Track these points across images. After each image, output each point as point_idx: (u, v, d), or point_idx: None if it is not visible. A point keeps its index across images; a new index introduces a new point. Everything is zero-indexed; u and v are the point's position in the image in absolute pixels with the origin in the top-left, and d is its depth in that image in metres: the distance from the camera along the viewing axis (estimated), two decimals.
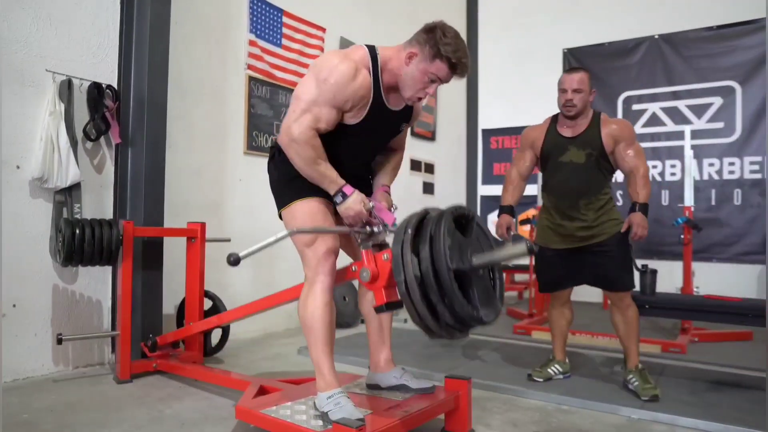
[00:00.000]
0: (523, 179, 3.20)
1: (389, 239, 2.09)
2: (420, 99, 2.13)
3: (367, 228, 2.09)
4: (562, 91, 2.94)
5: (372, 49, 2.11)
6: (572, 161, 2.94)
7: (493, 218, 7.39)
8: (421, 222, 1.82)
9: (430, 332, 1.79)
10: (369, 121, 2.11)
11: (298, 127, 2.01)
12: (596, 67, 6.71)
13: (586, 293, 6.56)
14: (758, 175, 5.84)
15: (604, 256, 2.90)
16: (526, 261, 5.78)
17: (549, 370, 3.09)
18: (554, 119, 3.10)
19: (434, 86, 2.08)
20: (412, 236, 1.76)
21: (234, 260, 1.71)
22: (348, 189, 2.07)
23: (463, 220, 1.89)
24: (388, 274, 1.93)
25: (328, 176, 2.06)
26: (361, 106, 2.07)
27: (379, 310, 1.99)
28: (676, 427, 2.45)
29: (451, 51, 1.99)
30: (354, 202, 2.06)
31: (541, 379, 3.03)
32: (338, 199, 2.07)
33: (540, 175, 5.10)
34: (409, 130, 2.44)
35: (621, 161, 2.92)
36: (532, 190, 6.53)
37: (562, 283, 3.08)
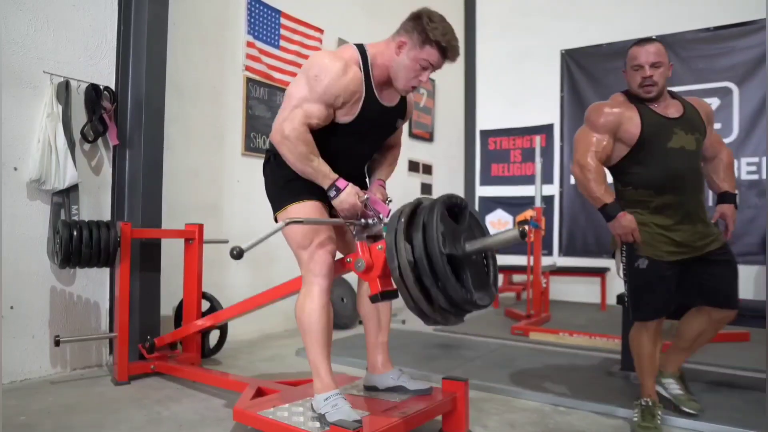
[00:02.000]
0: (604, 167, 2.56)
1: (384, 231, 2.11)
2: (414, 87, 2.14)
3: (362, 220, 2.10)
4: (636, 67, 2.41)
5: (361, 47, 2.12)
6: (684, 147, 2.39)
7: (491, 219, 7.41)
8: (414, 211, 1.84)
9: (425, 316, 1.82)
10: (363, 118, 2.11)
11: (290, 124, 2.02)
12: (594, 68, 6.73)
13: (584, 293, 6.60)
14: (755, 176, 5.85)
15: (723, 265, 2.43)
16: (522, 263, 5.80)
17: (657, 420, 2.41)
18: (631, 97, 2.49)
19: (427, 73, 2.08)
20: (406, 225, 1.78)
21: (237, 253, 1.71)
22: (341, 182, 2.06)
23: (456, 209, 1.90)
24: (382, 264, 1.94)
25: (321, 171, 2.06)
26: (353, 102, 2.08)
27: (374, 299, 1.99)
28: (673, 428, 2.45)
29: (440, 35, 2.00)
30: (348, 194, 2.06)
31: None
32: (332, 193, 2.07)
33: (538, 171, 5.20)
34: (405, 128, 2.44)
35: (708, 146, 2.51)
36: (529, 191, 6.56)
37: (671, 306, 2.51)
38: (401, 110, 2.26)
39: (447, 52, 2.04)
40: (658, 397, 2.53)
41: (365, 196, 2.09)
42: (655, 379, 2.57)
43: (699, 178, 2.47)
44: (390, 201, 2.25)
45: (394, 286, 1.90)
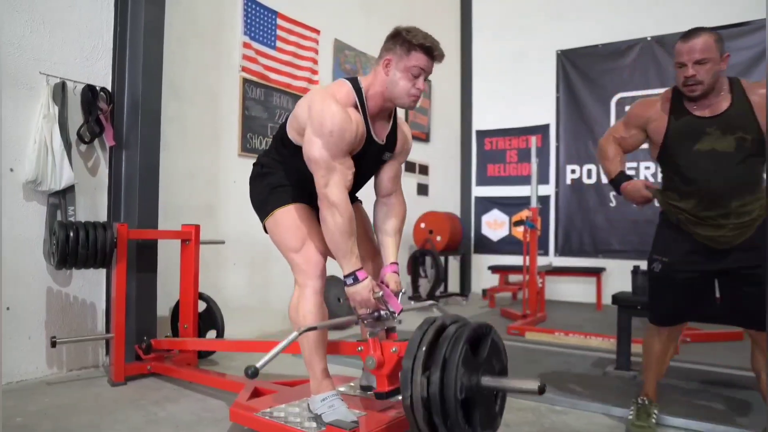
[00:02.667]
0: (625, 152, 2.55)
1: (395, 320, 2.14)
2: (415, 97, 2.12)
3: (374, 313, 2.09)
4: (679, 65, 2.25)
5: (354, 81, 2.11)
6: (715, 149, 2.21)
7: (487, 219, 7.43)
8: (437, 338, 1.80)
9: None
10: (359, 155, 2.10)
11: (334, 191, 1.98)
12: (589, 68, 6.75)
13: (580, 293, 6.63)
14: None
15: (758, 283, 2.12)
16: (518, 262, 5.81)
17: (652, 419, 2.40)
18: (677, 93, 2.34)
19: (421, 80, 2.08)
20: (425, 354, 1.75)
21: (252, 373, 1.72)
22: (362, 274, 2.03)
23: (479, 337, 1.87)
24: (393, 366, 1.96)
25: (353, 252, 2.03)
26: (359, 140, 2.07)
27: (379, 396, 2.01)
28: (667, 428, 2.47)
29: (422, 38, 2.03)
30: (364, 288, 2.02)
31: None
32: (349, 280, 2.04)
33: (533, 171, 5.22)
34: (402, 167, 2.41)
35: None
36: (525, 191, 6.58)
37: (685, 316, 2.45)
38: (390, 143, 2.23)
39: (432, 52, 2.06)
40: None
41: (380, 293, 2.07)
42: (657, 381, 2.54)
43: (733, 181, 2.19)
44: (403, 292, 2.22)
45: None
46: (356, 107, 2.07)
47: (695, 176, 2.25)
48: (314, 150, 1.99)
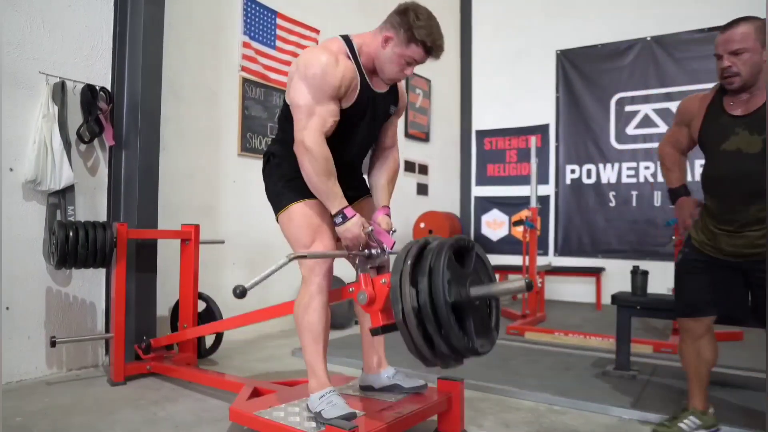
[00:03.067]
0: (681, 153, 2.50)
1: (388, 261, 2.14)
2: (399, 79, 2.18)
3: (365, 251, 2.10)
4: (717, 57, 2.16)
5: (346, 38, 2.14)
6: (740, 150, 2.13)
7: (486, 219, 7.43)
8: (421, 252, 1.82)
9: (425, 360, 1.81)
10: (359, 104, 2.12)
11: (310, 135, 2.00)
12: (589, 68, 6.75)
13: (579, 293, 6.63)
14: None
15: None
16: (517, 262, 5.81)
17: (681, 424, 2.31)
18: (722, 89, 2.25)
19: (411, 68, 2.11)
20: (411, 267, 1.76)
21: (240, 292, 1.71)
22: (349, 211, 2.06)
23: (462, 251, 1.89)
24: (385, 298, 1.95)
25: (334, 192, 2.05)
26: (351, 89, 2.09)
27: (374, 332, 2.00)
28: None
29: (426, 35, 2.02)
30: (353, 225, 2.05)
31: None
32: (338, 219, 2.06)
33: (533, 171, 5.22)
34: (401, 129, 2.44)
35: None
36: (525, 191, 6.58)
37: (703, 309, 2.33)
38: (393, 97, 2.28)
39: (432, 52, 2.07)
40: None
41: (369, 228, 2.09)
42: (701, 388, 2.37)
43: (754, 184, 2.06)
44: (394, 231, 2.25)
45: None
46: (348, 57, 2.09)
47: (718, 176, 2.21)
48: (298, 95, 2.03)
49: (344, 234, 2.07)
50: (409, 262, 1.77)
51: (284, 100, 2.21)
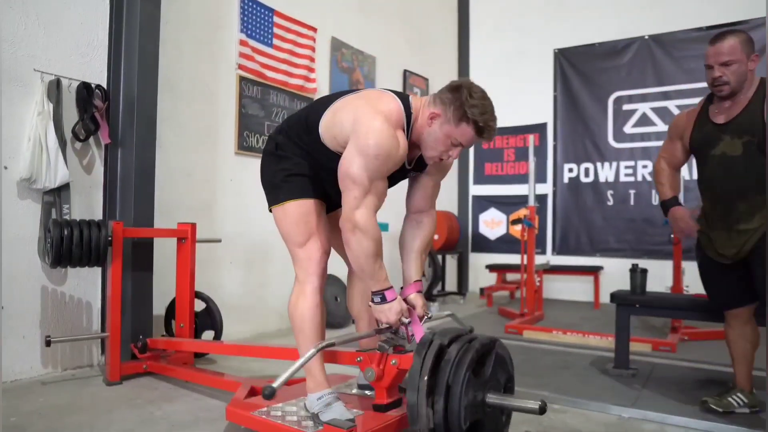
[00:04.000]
0: (674, 169, 2.73)
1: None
2: (441, 160, 2.07)
3: (393, 329, 2.07)
4: (707, 68, 2.42)
5: (405, 100, 2.00)
6: (725, 153, 2.41)
7: (484, 218, 7.42)
8: (438, 361, 1.78)
9: None
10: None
11: (365, 215, 1.91)
12: (587, 67, 6.75)
13: (577, 292, 6.62)
14: None
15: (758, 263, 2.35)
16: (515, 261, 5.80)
17: (730, 399, 2.51)
18: (708, 100, 2.56)
19: (457, 150, 1.99)
20: (427, 384, 1.73)
21: (269, 394, 1.73)
22: (390, 294, 2.00)
23: (483, 358, 1.85)
24: (392, 378, 1.97)
25: (380, 275, 1.99)
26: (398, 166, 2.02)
27: (378, 408, 2.00)
28: (666, 426, 2.46)
29: (479, 113, 1.89)
30: (391, 310, 2.01)
31: (720, 409, 2.49)
32: (377, 298, 2.01)
33: (531, 170, 5.21)
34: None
35: None
36: (523, 189, 6.58)
37: (740, 300, 2.53)
38: (418, 166, 2.18)
39: (483, 133, 1.93)
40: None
41: (408, 320, 2.05)
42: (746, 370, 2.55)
43: (739, 183, 2.37)
44: (429, 317, 2.18)
45: (400, 396, 1.96)
46: (404, 130, 1.97)
47: (708, 179, 2.50)
48: (353, 168, 1.89)
49: (378, 315, 2.04)
50: (425, 379, 1.74)
51: (312, 111, 2.12)
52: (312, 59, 5.02)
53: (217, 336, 3.51)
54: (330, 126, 2.03)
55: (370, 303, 2.05)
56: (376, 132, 1.87)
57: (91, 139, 3.35)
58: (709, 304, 2.73)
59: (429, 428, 1.71)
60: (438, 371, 1.75)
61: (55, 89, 3.13)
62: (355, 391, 2.37)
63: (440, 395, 1.71)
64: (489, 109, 1.93)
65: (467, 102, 1.89)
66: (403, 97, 2.02)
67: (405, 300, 2.14)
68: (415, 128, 2.01)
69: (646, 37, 6.40)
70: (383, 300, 2.00)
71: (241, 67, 4.36)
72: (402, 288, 2.21)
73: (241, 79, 4.36)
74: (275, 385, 1.71)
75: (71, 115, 3.24)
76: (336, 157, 2.00)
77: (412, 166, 2.15)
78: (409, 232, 2.27)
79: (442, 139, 1.96)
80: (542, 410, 1.71)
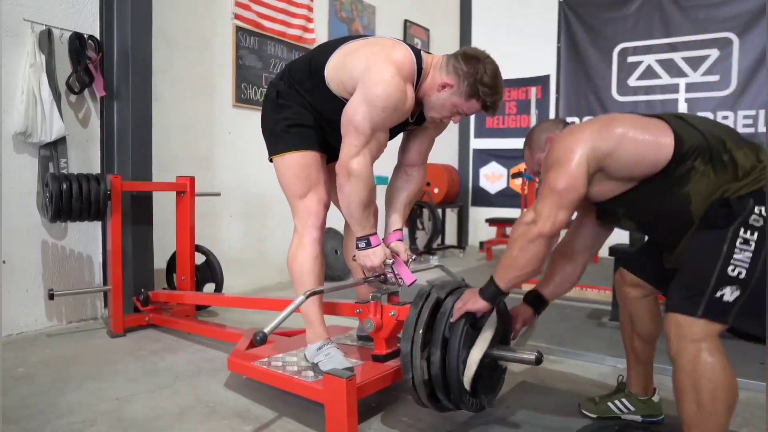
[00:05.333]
0: None
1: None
2: (440, 121, 2.08)
3: (381, 277, 2.09)
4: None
5: (418, 56, 1.95)
6: None
7: (485, 171, 7.39)
8: (433, 315, 1.78)
9: (427, 407, 1.84)
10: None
11: (361, 162, 1.91)
12: (592, 17, 6.57)
13: None
14: (751, 129, 5.81)
15: None
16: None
17: None
18: None
19: (459, 118, 2.02)
20: (422, 336, 1.73)
21: (261, 339, 1.73)
22: (375, 239, 2.02)
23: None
24: (391, 329, 1.98)
25: (368, 221, 2.01)
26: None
27: (377, 359, 2.02)
28: (661, 376, 2.50)
29: (490, 94, 1.89)
30: (375, 255, 2.02)
31: None
32: (361, 244, 2.03)
33: (533, 123, 5.14)
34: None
35: None
36: (519, 143, 6.52)
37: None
38: (418, 120, 2.13)
39: (489, 110, 1.95)
40: None
41: (391, 260, 2.06)
42: None
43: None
44: (413, 259, 2.20)
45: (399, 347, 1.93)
46: (413, 84, 1.94)
47: None
48: (357, 116, 1.88)
49: (363, 260, 2.04)
50: (420, 331, 1.74)
51: (316, 55, 2.07)
52: (310, 9, 4.88)
53: (218, 289, 3.55)
54: (339, 68, 1.98)
55: (356, 250, 2.07)
56: (386, 83, 1.85)
57: (86, 92, 3.30)
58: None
59: (423, 380, 1.73)
60: (433, 325, 1.77)
61: (46, 40, 3.06)
62: (354, 342, 2.40)
63: (436, 347, 1.73)
64: (500, 89, 1.92)
65: (481, 80, 1.87)
66: (416, 51, 1.98)
67: (388, 247, 2.16)
68: (422, 86, 1.98)
69: None
70: (368, 245, 2.03)
71: (237, 16, 4.24)
72: (384, 237, 2.22)
73: (238, 29, 4.26)
74: (266, 330, 1.73)
75: (65, 67, 3.18)
76: (339, 108, 1.97)
77: (414, 121, 2.12)
78: (398, 184, 2.27)
79: (449, 107, 1.96)
80: (538, 361, 1.73)
